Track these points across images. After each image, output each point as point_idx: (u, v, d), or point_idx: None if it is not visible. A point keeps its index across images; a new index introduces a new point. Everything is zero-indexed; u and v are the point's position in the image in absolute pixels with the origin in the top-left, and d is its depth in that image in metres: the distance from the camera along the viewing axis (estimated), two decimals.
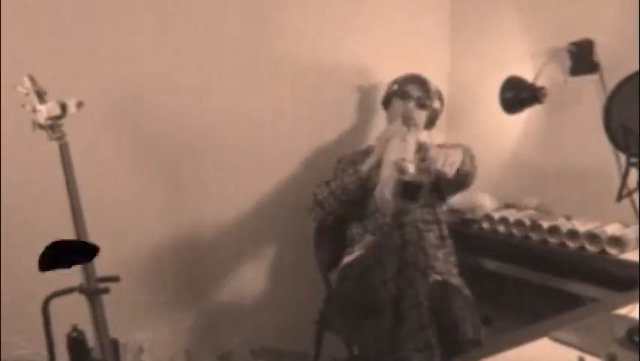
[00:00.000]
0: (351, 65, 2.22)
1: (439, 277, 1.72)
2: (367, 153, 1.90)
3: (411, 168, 1.56)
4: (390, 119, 1.98)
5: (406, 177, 1.55)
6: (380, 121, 2.18)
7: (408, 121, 1.85)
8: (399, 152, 1.70)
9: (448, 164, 1.62)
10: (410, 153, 1.66)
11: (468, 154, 1.82)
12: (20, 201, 1.62)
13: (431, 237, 1.82)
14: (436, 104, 1.98)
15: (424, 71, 2.01)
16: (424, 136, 1.99)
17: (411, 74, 1.99)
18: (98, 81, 1.70)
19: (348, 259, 1.83)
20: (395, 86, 1.98)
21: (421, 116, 1.93)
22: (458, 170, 1.66)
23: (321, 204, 1.85)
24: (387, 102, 2.02)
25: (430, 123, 1.99)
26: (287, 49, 2.08)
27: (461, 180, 1.82)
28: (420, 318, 1.42)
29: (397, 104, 1.95)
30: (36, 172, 1.57)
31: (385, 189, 1.67)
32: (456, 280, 1.77)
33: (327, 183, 1.88)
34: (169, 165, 1.92)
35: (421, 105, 1.92)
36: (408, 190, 1.56)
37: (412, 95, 1.92)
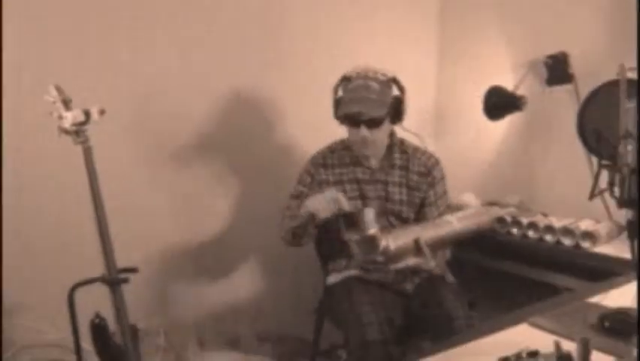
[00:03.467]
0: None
1: (425, 274, 1.72)
2: (333, 150, 1.76)
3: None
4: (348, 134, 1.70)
5: (362, 234, 1.41)
6: None
7: (367, 148, 1.67)
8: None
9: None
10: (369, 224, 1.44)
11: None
12: (47, 197, 1.66)
13: None
14: (393, 94, 1.65)
15: (412, 79, 1.77)
16: (398, 130, 1.77)
17: (353, 85, 1.63)
18: (118, 90, 1.73)
19: (332, 279, 1.80)
20: (341, 106, 1.64)
21: (381, 130, 1.66)
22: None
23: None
24: (338, 114, 1.68)
25: (396, 116, 1.68)
26: (296, 52, 2.12)
27: None
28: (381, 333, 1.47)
29: (350, 130, 1.67)
30: (61, 172, 1.62)
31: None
32: (439, 269, 1.76)
33: (298, 197, 1.72)
34: (182, 166, 1.95)
35: (377, 124, 1.63)
36: (367, 244, 1.43)
37: (361, 119, 1.60)
